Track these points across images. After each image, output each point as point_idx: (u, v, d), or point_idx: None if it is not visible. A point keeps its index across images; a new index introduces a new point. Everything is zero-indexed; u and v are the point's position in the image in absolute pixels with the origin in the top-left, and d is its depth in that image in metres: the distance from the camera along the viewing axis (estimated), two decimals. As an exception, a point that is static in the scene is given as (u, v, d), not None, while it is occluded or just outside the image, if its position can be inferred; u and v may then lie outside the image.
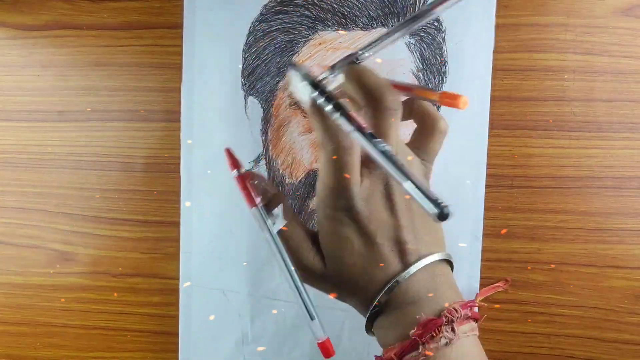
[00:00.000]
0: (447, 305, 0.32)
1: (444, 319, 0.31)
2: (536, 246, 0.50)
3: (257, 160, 0.51)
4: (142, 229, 0.53)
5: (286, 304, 0.51)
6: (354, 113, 0.30)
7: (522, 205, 0.50)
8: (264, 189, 0.37)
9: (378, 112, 0.32)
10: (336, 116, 0.30)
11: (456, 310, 0.31)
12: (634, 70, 0.49)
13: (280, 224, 0.36)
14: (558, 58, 0.49)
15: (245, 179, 0.36)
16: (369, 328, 0.35)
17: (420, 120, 0.37)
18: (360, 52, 0.34)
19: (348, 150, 0.32)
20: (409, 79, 0.49)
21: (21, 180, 0.54)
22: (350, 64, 0.34)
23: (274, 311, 0.51)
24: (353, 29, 0.49)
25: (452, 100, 0.33)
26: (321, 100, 0.31)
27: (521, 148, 0.50)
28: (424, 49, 0.49)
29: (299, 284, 0.35)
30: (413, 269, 0.32)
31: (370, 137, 0.29)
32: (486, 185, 0.49)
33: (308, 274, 0.35)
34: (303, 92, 0.32)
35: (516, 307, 0.51)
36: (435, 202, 0.26)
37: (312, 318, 0.35)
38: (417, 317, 0.31)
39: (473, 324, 0.32)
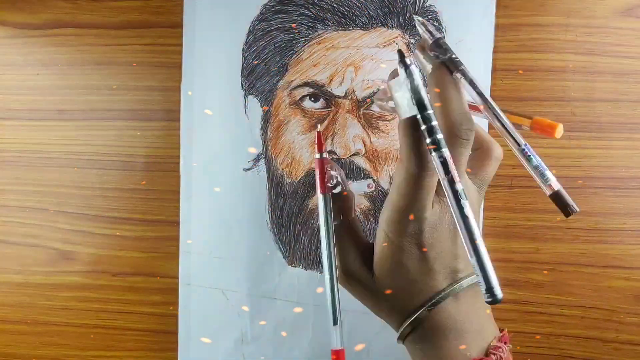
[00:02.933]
0: (493, 342, 0.32)
1: (494, 357, 0.31)
2: (536, 246, 0.50)
3: (256, 160, 0.51)
4: (142, 228, 0.53)
5: (286, 303, 0.51)
6: (451, 160, 0.29)
7: (522, 205, 0.50)
8: (338, 182, 0.36)
9: (451, 139, 0.31)
10: (433, 155, 0.29)
11: (502, 349, 0.32)
12: (634, 70, 0.49)
13: (338, 219, 0.35)
14: (558, 58, 0.49)
15: (325, 165, 0.35)
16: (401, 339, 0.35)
17: (476, 146, 0.36)
18: (462, 70, 0.32)
19: (431, 173, 0.30)
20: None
21: (21, 179, 0.54)
22: (444, 72, 0.32)
23: (262, 322, 0.51)
24: (353, 29, 0.49)
25: (546, 128, 0.32)
26: (423, 127, 0.29)
27: (521, 148, 0.50)
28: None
29: (335, 283, 0.34)
30: (463, 284, 0.32)
31: (458, 195, 0.28)
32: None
33: (350, 279, 0.35)
34: (405, 100, 0.30)
35: (516, 307, 0.51)
36: (490, 289, 0.26)
37: (335, 323, 0.34)
38: (467, 354, 0.31)
39: None
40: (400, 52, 0.31)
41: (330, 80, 0.49)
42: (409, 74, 0.30)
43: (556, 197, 0.30)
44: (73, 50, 0.52)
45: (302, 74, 0.49)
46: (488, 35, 0.48)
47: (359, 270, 0.35)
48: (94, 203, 0.53)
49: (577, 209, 0.30)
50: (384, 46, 0.49)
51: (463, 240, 0.28)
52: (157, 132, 0.52)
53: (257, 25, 0.50)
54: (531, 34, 0.49)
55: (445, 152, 0.29)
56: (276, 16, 0.49)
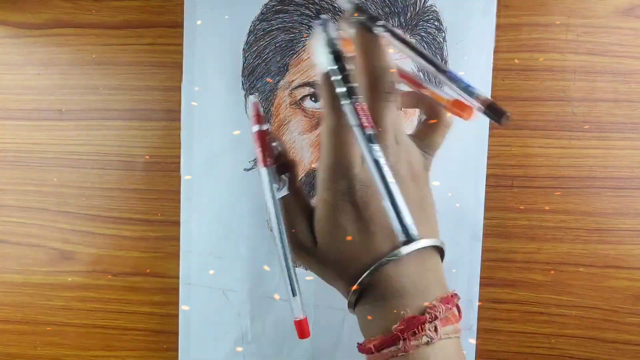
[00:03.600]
0: (431, 303, 0.31)
1: (427, 317, 0.31)
2: (536, 246, 0.50)
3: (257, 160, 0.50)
4: (142, 228, 0.53)
5: (286, 303, 0.51)
6: (362, 106, 0.29)
7: (522, 205, 0.50)
8: (279, 153, 0.36)
9: (374, 92, 0.32)
10: (345, 102, 0.30)
11: (438, 308, 0.31)
12: (634, 70, 0.49)
13: (284, 191, 0.35)
14: (559, 58, 0.49)
15: (265, 137, 0.35)
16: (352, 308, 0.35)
17: (425, 111, 0.37)
18: (382, 25, 0.32)
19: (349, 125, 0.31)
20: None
21: (21, 179, 0.54)
22: (365, 31, 0.33)
23: (262, 323, 0.51)
24: (353, 29, 0.49)
25: (460, 110, 0.33)
26: (336, 77, 0.30)
27: (521, 148, 0.50)
28: (424, 48, 0.49)
29: (289, 255, 0.34)
30: (402, 250, 0.32)
31: (368, 139, 0.28)
32: (486, 185, 0.49)
33: (298, 248, 0.35)
34: (322, 55, 0.31)
35: (516, 307, 0.51)
36: (404, 228, 0.27)
37: (294, 294, 0.34)
38: (402, 312, 0.31)
39: (457, 326, 0.32)
40: (318, 11, 0.33)
41: (331, 80, 0.49)
42: (324, 29, 0.31)
43: (489, 107, 0.30)
44: (73, 50, 0.52)
45: (302, 74, 0.49)
46: (488, 35, 0.48)
47: (307, 237, 0.34)
48: (94, 203, 0.53)
49: (509, 113, 0.30)
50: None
51: (377, 183, 0.28)
52: (157, 132, 0.52)
53: (257, 25, 0.50)
54: (531, 34, 0.49)
55: (357, 99, 0.29)
56: (277, 16, 0.49)
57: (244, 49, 0.50)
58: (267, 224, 0.51)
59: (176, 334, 0.53)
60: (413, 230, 0.27)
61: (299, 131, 0.50)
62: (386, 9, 0.48)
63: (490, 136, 0.49)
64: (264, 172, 0.35)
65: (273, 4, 0.49)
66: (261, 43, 0.50)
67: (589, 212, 0.50)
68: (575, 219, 0.50)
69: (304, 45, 0.49)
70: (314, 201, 0.34)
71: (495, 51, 0.49)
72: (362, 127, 0.29)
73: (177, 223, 0.52)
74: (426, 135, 0.36)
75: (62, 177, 0.53)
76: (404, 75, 0.36)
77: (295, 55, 0.49)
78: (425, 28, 0.49)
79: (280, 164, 0.36)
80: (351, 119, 0.29)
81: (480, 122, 0.49)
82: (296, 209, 0.35)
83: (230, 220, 0.51)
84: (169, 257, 0.53)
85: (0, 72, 0.53)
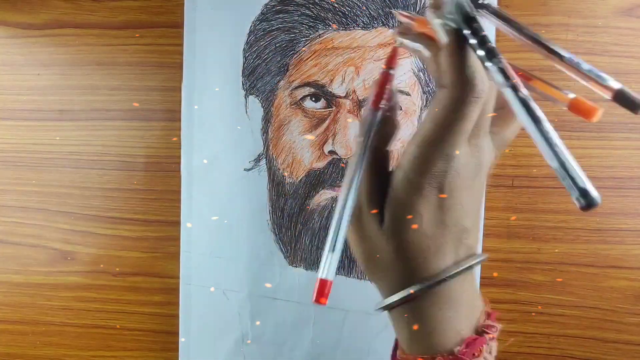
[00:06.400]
0: (483, 319, 0.31)
1: (487, 337, 0.30)
2: (536, 246, 0.50)
3: (257, 160, 0.50)
4: (143, 228, 0.53)
5: (286, 303, 0.51)
6: (509, 65, 0.26)
7: (523, 205, 0.50)
8: (391, 107, 0.32)
9: (463, 96, 0.28)
10: (488, 65, 0.26)
11: (493, 328, 0.31)
12: (634, 70, 0.49)
13: (376, 144, 0.31)
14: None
15: (388, 81, 0.32)
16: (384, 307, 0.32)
17: (500, 105, 0.35)
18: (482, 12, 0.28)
19: (477, 97, 0.27)
20: (410, 78, 0.49)
21: (22, 179, 0.54)
22: (457, 39, 0.28)
23: (259, 323, 0.51)
24: (354, 29, 0.49)
25: (584, 111, 0.29)
26: (473, 41, 0.26)
27: (522, 148, 0.50)
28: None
29: (348, 212, 0.29)
30: (463, 265, 0.30)
31: (526, 101, 0.25)
32: (486, 185, 0.49)
33: (359, 221, 0.31)
34: (446, 22, 0.28)
35: (516, 307, 0.51)
36: (582, 191, 0.22)
37: (333, 250, 0.28)
38: (460, 331, 0.30)
39: (496, 342, 0.32)
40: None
41: (331, 80, 0.49)
42: None
43: (620, 96, 0.26)
44: (73, 51, 0.52)
45: (302, 74, 0.49)
46: (488, 35, 0.48)
47: (370, 204, 0.31)
48: (94, 203, 0.53)
49: None
50: (385, 46, 0.49)
51: (539, 147, 0.24)
52: (157, 132, 0.52)
53: (257, 25, 0.50)
54: (532, 34, 0.49)
55: (503, 59, 0.26)
56: (277, 16, 0.49)
57: (244, 49, 0.50)
58: (267, 224, 0.51)
59: (176, 334, 0.53)
60: (595, 193, 0.22)
61: (299, 131, 0.50)
62: (386, 8, 0.48)
63: (490, 136, 0.49)
64: (369, 113, 0.31)
65: (273, 4, 0.49)
66: (261, 43, 0.50)
67: (590, 212, 0.50)
68: (576, 219, 0.50)
69: (304, 45, 0.49)
70: (394, 178, 0.30)
71: (496, 51, 0.49)
72: (515, 88, 0.25)
73: (177, 223, 0.52)
74: (499, 130, 0.33)
75: (62, 177, 0.53)
76: (518, 72, 0.32)
77: (296, 55, 0.49)
78: (425, 28, 0.49)
79: (386, 118, 0.32)
80: (500, 80, 0.25)
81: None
82: (374, 169, 0.31)
83: (231, 220, 0.51)
84: (169, 257, 0.53)
85: (0, 72, 0.53)
